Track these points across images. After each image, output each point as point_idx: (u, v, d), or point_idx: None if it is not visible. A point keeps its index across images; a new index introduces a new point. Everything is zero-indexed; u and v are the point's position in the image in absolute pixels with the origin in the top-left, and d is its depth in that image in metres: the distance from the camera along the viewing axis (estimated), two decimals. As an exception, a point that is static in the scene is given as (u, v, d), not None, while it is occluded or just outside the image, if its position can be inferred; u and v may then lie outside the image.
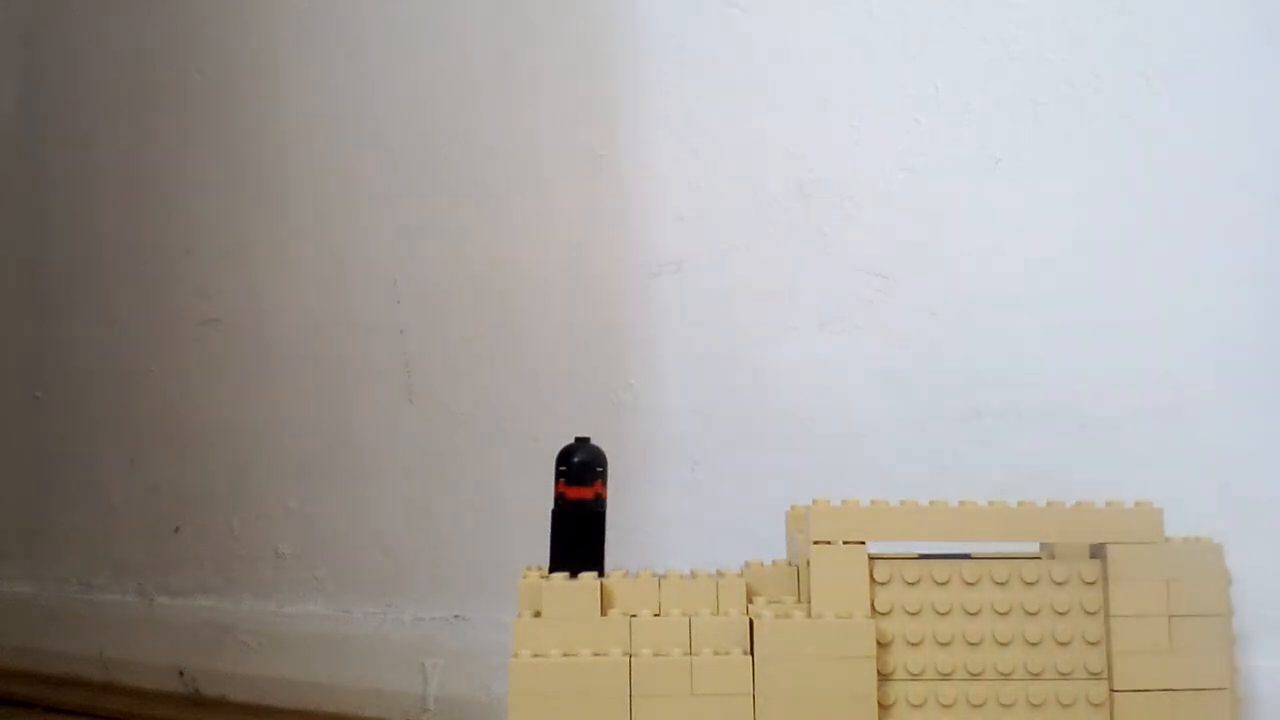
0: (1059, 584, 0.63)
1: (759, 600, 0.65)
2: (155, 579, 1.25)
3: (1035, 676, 0.62)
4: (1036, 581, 0.63)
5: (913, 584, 0.63)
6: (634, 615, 0.63)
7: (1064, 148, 0.82)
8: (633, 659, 0.62)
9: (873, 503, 0.64)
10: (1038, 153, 0.83)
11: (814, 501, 0.64)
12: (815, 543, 0.63)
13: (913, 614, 0.63)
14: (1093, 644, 0.62)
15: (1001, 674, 0.63)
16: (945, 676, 0.63)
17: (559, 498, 0.66)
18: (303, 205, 1.18)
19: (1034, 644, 0.63)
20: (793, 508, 0.71)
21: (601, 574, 0.65)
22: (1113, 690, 0.62)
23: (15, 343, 1.42)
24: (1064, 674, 0.62)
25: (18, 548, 1.39)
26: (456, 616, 1.01)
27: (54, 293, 1.39)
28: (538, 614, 0.63)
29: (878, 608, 0.63)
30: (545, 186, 1.03)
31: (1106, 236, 0.80)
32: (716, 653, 0.62)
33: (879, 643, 0.62)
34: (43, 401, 1.38)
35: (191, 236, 1.27)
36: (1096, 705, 0.62)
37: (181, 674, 1.17)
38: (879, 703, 0.61)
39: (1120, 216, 0.79)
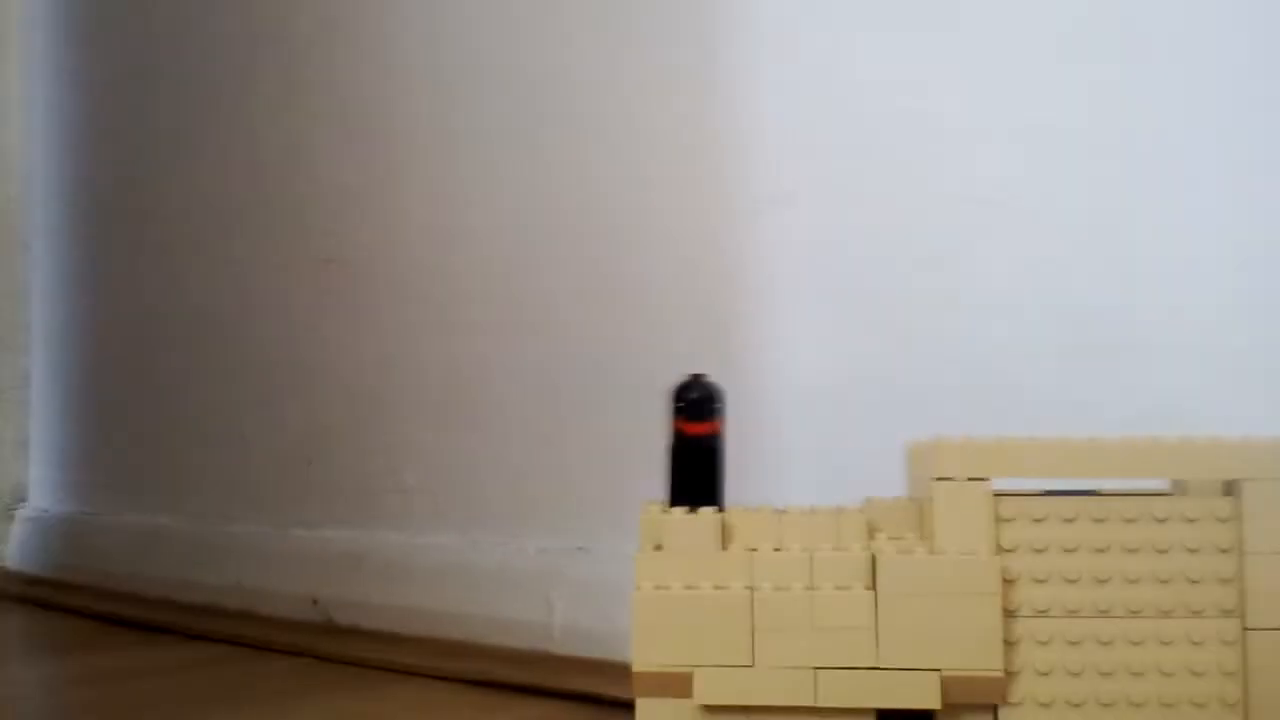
0: (1191, 521, 0.62)
1: (880, 536, 0.64)
2: (289, 511, 1.29)
3: (1165, 615, 0.61)
4: (1167, 518, 0.62)
5: (1039, 521, 0.62)
6: (754, 550, 0.63)
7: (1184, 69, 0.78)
8: (754, 593, 0.62)
9: (997, 438, 0.63)
10: (1189, 72, 0.79)
11: (937, 437, 0.63)
12: (938, 479, 0.62)
13: (1039, 551, 0.62)
14: (1225, 581, 0.61)
15: (1131, 612, 0.61)
16: (1072, 614, 0.62)
17: (676, 433, 0.66)
18: (412, 146, 1.19)
19: (1164, 582, 0.61)
20: (914, 444, 0.71)
21: (721, 509, 0.65)
22: (1246, 628, 0.60)
23: (149, 288, 1.46)
24: (1195, 612, 0.61)
25: (158, 482, 1.44)
26: (580, 549, 1.02)
27: (181, 240, 1.43)
28: (659, 547, 0.64)
29: (1002, 545, 0.62)
30: (644, 124, 1.02)
31: (1228, 158, 0.77)
32: (838, 588, 0.62)
33: (1004, 580, 0.61)
34: (176, 341, 1.42)
35: (307, 177, 1.29)
36: (1229, 643, 0.60)
37: (315, 603, 1.21)
38: (1004, 639, 0.61)
39: (1243, 136, 0.76)
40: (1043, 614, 0.62)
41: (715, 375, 0.67)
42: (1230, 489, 0.62)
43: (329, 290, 1.26)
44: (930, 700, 0.60)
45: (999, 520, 0.62)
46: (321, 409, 1.27)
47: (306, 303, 1.29)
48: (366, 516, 1.21)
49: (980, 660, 0.60)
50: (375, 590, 1.16)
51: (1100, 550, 0.62)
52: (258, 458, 1.33)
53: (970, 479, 0.63)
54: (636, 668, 0.62)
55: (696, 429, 0.66)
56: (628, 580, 0.63)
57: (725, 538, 0.64)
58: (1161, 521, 0.62)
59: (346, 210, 1.25)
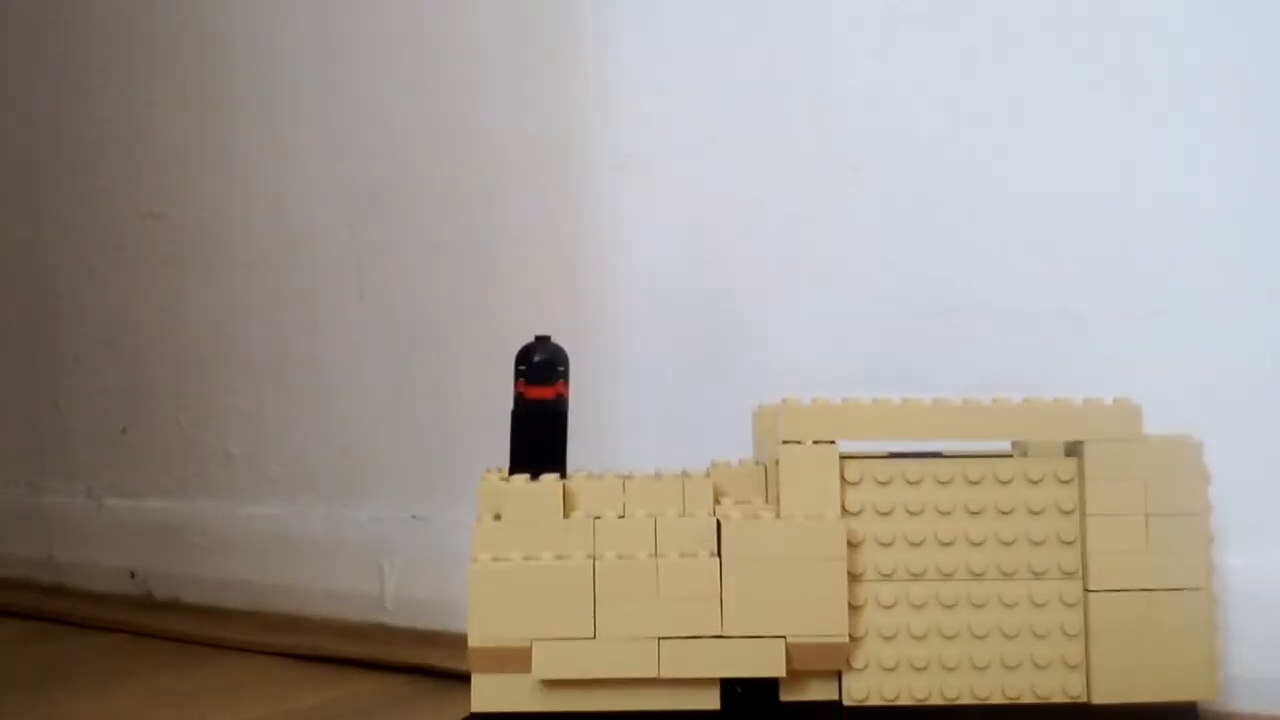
0: (1034, 482, 0.62)
1: (726, 501, 0.63)
2: (104, 480, 1.23)
3: (1008, 576, 0.61)
4: (1011, 480, 0.62)
5: (884, 484, 0.62)
6: (598, 517, 0.61)
7: (1044, 38, 0.78)
8: (596, 562, 0.60)
9: (844, 401, 0.62)
10: (1016, 43, 0.79)
11: (784, 400, 0.62)
12: (784, 442, 0.61)
13: (884, 514, 0.62)
14: (1067, 543, 0.61)
15: (974, 574, 0.61)
16: (917, 577, 0.61)
17: (519, 398, 0.64)
18: (249, 99, 1.14)
19: (1007, 544, 0.61)
20: (760, 407, 0.69)
21: (564, 475, 0.63)
22: (1087, 590, 0.61)
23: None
24: (1038, 574, 0.61)
25: (-39, 451, 1.36)
26: (414, 517, 0.99)
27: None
28: (498, 517, 0.61)
29: (848, 508, 0.61)
30: (499, 78, 0.99)
31: (1087, 131, 0.77)
32: (683, 554, 0.60)
33: (849, 543, 0.60)
34: (-20, 300, 1.34)
35: (134, 130, 1.22)
36: (1070, 605, 0.61)
37: (133, 576, 1.16)
38: (849, 604, 0.60)
39: (1102, 110, 0.77)
40: (887, 577, 0.62)
41: (561, 338, 0.64)
42: (1073, 450, 0.62)
43: (152, 247, 1.20)
44: (775, 668, 0.59)
45: (845, 483, 0.61)
46: (140, 372, 1.21)
47: (126, 260, 1.22)
48: (188, 486, 1.15)
49: (826, 626, 0.60)
50: (197, 562, 1.12)
51: (945, 513, 0.62)
52: (71, 423, 1.26)
53: (816, 442, 0.61)
54: (472, 643, 0.59)
55: (539, 393, 0.64)
56: (464, 549, 0.60)
57: (568, 505, 0.62)
58: (1005, 483, 0.62)
59: (175, 163, 1.18)
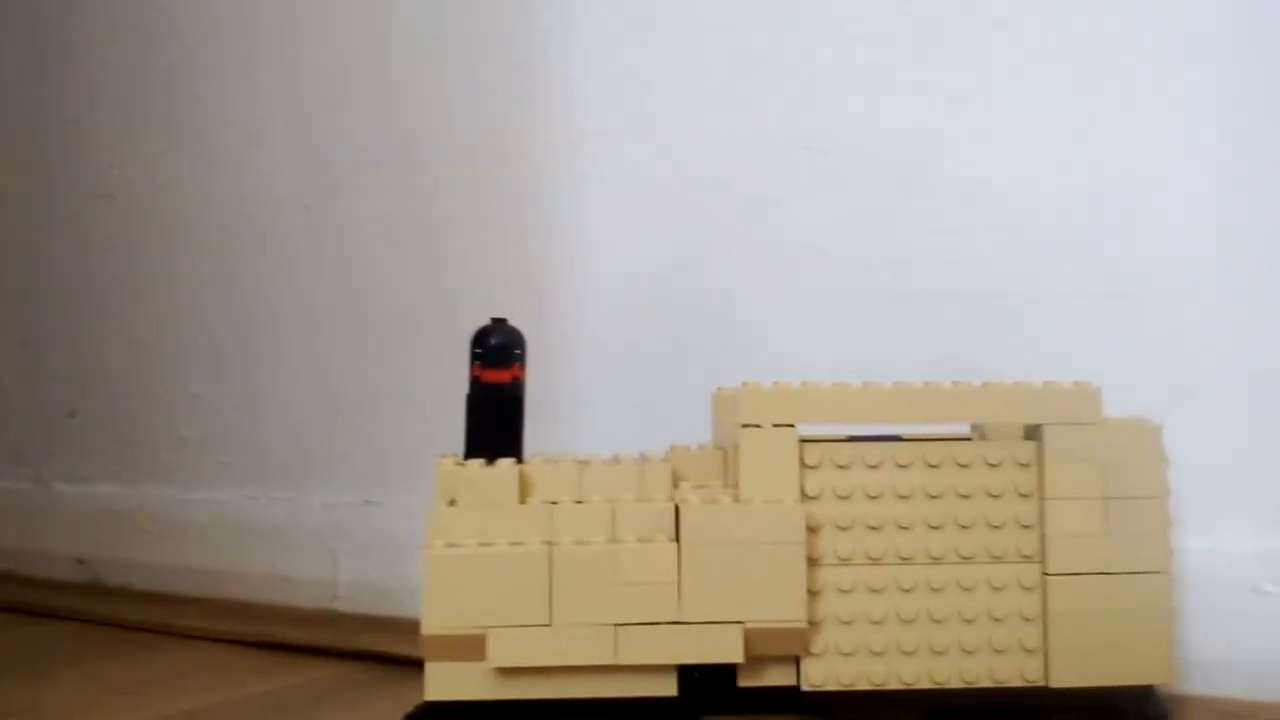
0: (993, 466, 0.61)
1: (685, 485, 0.62)
2: (52, 465, 1.21)
3: (967, 560, 0.61)
4: (970, 464, 0.61)
5: (843, 468, 0.61)
6: (554, 503, 0.60)
7: (1013, 21, 0.78)
8: (553, 548, 0.59)
9: (804, 384, 0.61)
10: (986, 27, 0.79)
11: (743, 384, 0.61)
12: (744, 426, 0.61)
13: (843, 498, 0.61)
14: (1026, 527, 0.61)
15: (933, 558, 0.61)
16: (875, 561, 0.61)
17: (474, 381, 0.63)
18: (202, 75, 1.12)
19: (966, 527, 0.61)
20: (719, 390, 0.69)
21: (520, 460, 0.62)
22: (1045, 574, 0.60)
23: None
24: (996, 558, 0.61)
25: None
26: (367, 502, 0.98)
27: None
28: (453, 502, 0.60)
29: (808, 492, 0.61)
30: (458, 56, 0.97)
31: (1050, 111, 0.77)
32: (640, 540, 0.59)
33: (808, 528, 0.60)
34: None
35: (84, 108, 1.20)
36: (1029, 589, 0.61)
37: (81, 563, 1.14)
38: (808, 589, 0.59)
39: (1067, 90, 0.76)
40: (845, 562, 0.61)
41: (519, 320, 0.63)
42: (1032, 434, 0.62)
43: (101, 228, 1.18)
44: (733, 654, 0.59)
45: (804, 467, 0.61)
46: (89, 355, 1.19)
47: (77, 240, 1.20)
48: (137, 471, 1.14)
49: (784, 611, 0.59)
50: (147, 549, 1.10)
51: (904, 497, 0.61)
52: (17, 406, 1.24)
53: (776, 425, 0.61)
54: (426, 631, 0.58)
55: (495, 376, 0.63)
56: (418, 534, 0.59)
57: (524, 490, 0.61)
58: (964, 467, 0.61)
59: (129, 143, 1.16)
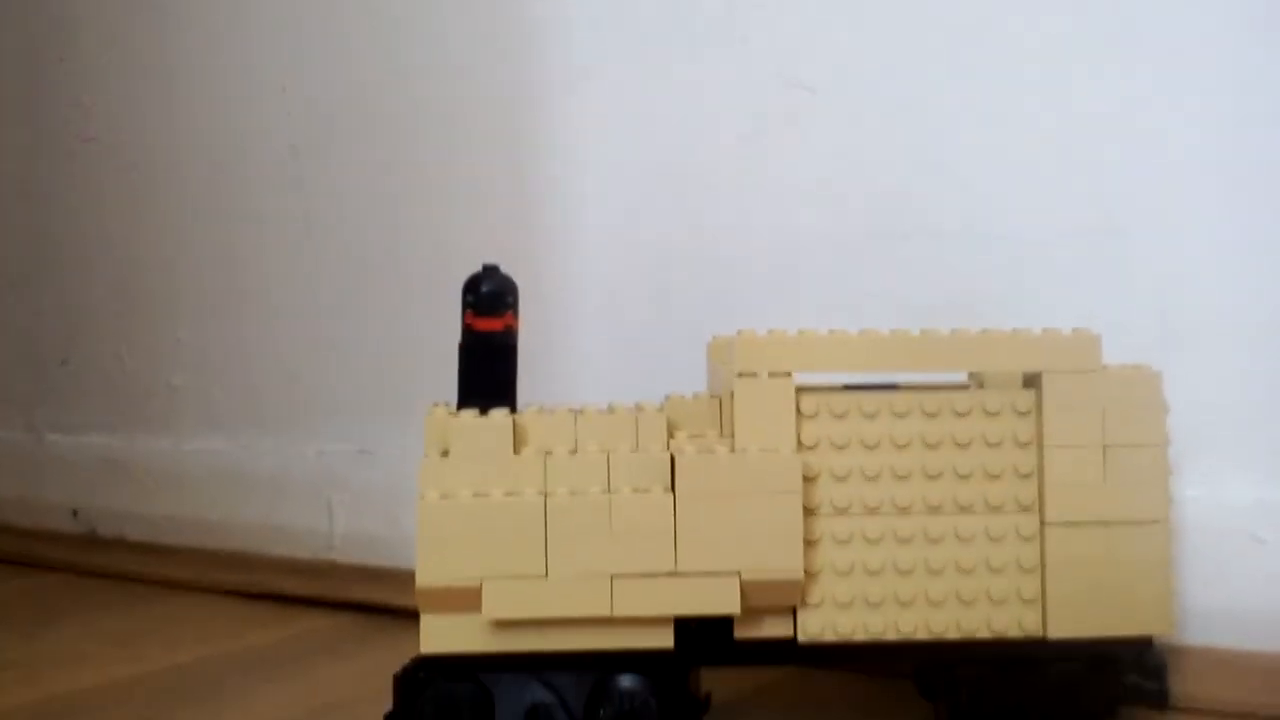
0: (991, 414, 0.61)
1: (680, 435, 0.62)
2: (45, 414, 1.20)
3: (965, 510, 0.60)
4: (968, 412, 0.60)
5: (840, 417, 0.61)
6: (549, 453, 0.59)
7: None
8: (548, 498, 0.58)
9: (800, 333, 0.61)
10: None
11: (739, 332, 0.60)
12: (740, 375, 0.60)
13: (840, 448, 0.60)
14: (1025, 476, 0.60)
15: (930, 508, 0.60)
16: (872, 511, 0.60)
17: (466, 329, 0.62)
18: (191, 12, 1.10)
19: (964, 477, 0.60)
20: (715, 338, 0.68)
21: (514, 410, 0.61)
22: (1044, 523, 0.60)
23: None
24: (994, 507, 0.60)
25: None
26: (362, 451, 0.98)
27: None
28: (445, 453, 0.60)
29: (804, 441, 0.60)
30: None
31: (1044, 47, 0.75)
32: (636, 490, 0.59)
33: (805, 478, 0.59)
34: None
35: (66, 44, 1.18)
36: (1027, 539, 0.60)
37: (75, 514, 1.14)
38: (805, 539, 0.59)
39: (1061, 31, 0.75)
40: (843, 512, 0.61)
41: (512, 266, 0.62)
42: (1030, 381, 0.61)
43: (91, 172, 1.16)
44: (729, 606, 0.58)
45: (800, 416, 0.60)
46: (80, 302, 1.18)
47: (64, 185, 1.18)
48: (130, 420, 1.13)
49: (781, 562, 0.58)
50: (142, 499, 1.10)
51: (901, 446, 0.60)
52: (7, 355, 1.23)
53: (772, 374, 0.60)
54: (420, 583, 0.58)
55: (488, 324, 0.62)
56: (412, 483, 0.59)
57: (518, 441, 0.60)
58: (962, 415, 0.60)
59: (115, 85, 1.14)
